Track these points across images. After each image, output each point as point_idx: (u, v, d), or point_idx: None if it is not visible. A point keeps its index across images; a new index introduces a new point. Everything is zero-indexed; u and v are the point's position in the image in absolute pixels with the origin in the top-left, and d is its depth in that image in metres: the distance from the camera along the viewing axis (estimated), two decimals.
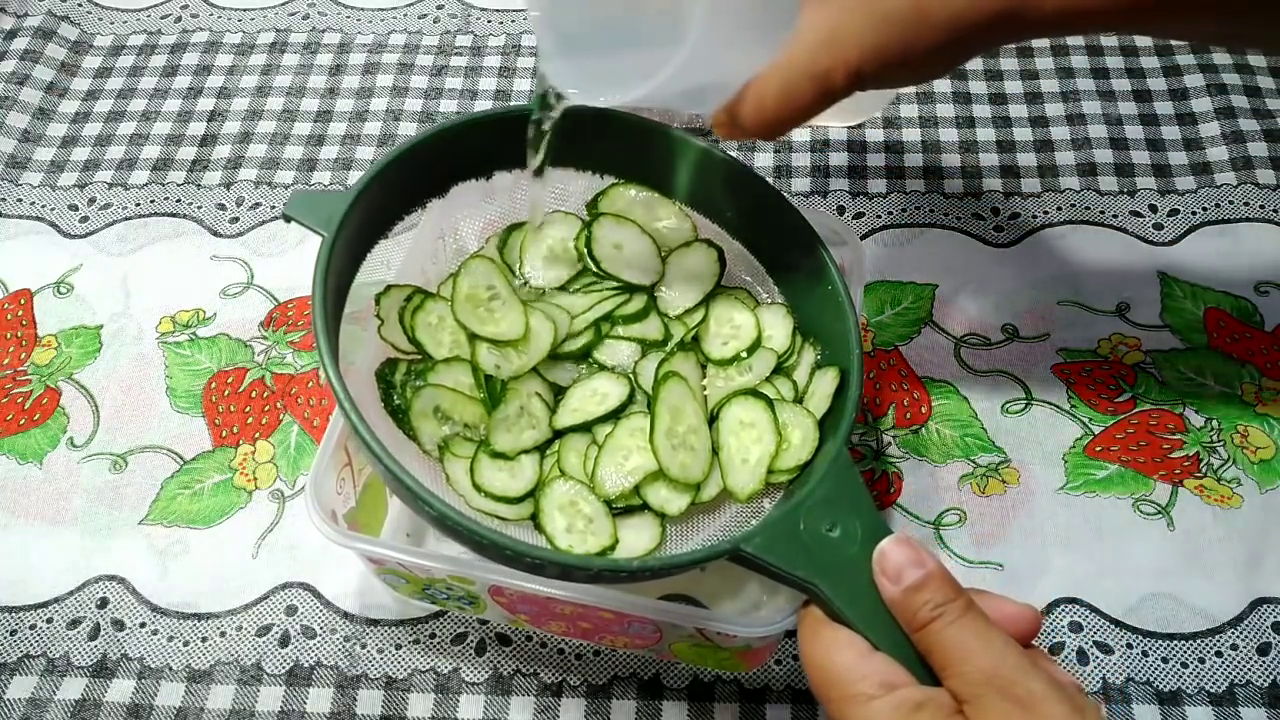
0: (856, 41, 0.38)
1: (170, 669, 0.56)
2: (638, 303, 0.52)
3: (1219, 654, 0.55)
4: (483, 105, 0.81)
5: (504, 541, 0.39)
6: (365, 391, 0.49)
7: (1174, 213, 0.72)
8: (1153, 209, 0.72)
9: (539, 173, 0.48)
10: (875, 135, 0.77)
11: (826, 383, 0.47)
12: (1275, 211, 0.71)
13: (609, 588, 0.45)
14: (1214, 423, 0.62)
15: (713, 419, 0.49)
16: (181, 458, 0.63)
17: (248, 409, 0.65)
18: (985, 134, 0.77)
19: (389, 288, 0.50)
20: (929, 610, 0.36)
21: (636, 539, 0.47)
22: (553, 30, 0.42)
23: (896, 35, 0.37)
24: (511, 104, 0.81)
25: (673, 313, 0.53)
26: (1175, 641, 0.55)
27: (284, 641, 0.57)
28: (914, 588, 0.37)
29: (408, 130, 0.80)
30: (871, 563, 0.39)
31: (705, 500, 0.47)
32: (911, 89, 0.79)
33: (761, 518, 0.45)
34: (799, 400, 0.49)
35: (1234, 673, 0.54)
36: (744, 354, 0.51)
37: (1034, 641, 0.55)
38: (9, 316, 0.70)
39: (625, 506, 0.48)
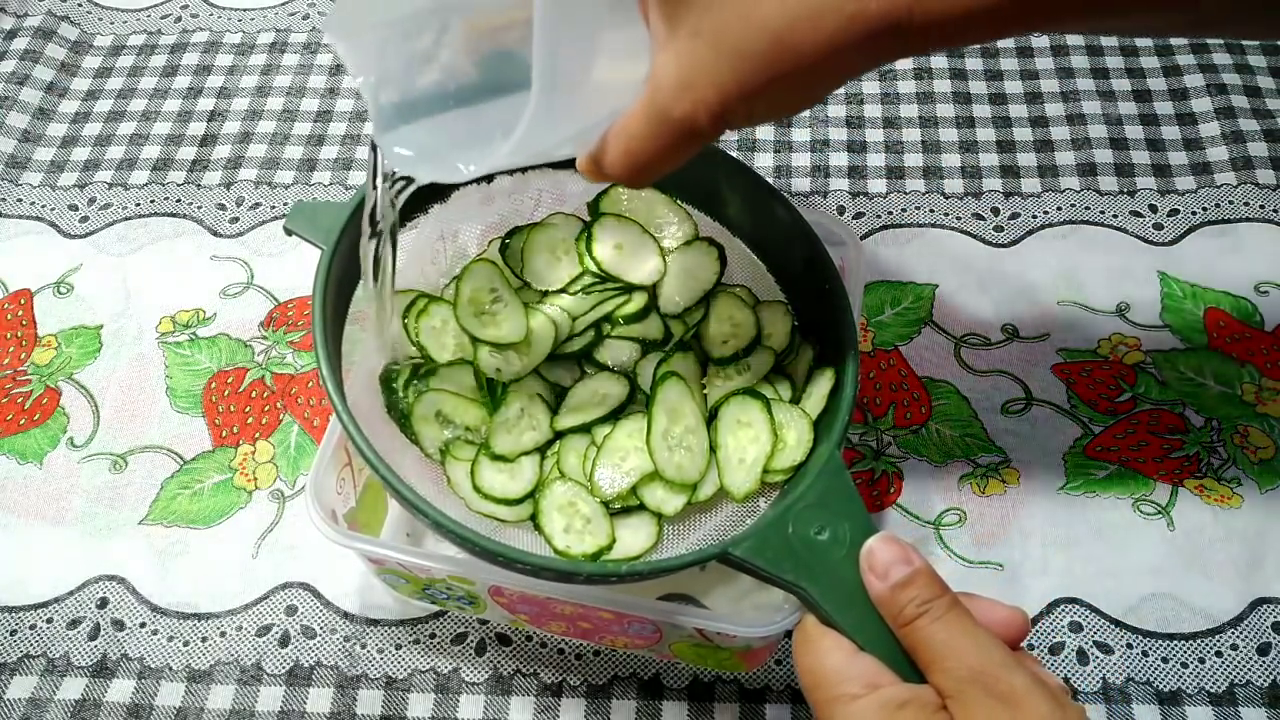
0: (712, 81, 0.34)
1: (170, 669, 0.56)
2: (638, 302, 0.52)
3: (1219, 654, 0.55)
4: None
5: (495, 548, 0.39)
6: (365, 393, 0.49)
7: (1174, 213, 0.72)
8: (1153, 209, 0.72)
9: (383, 242, 0.43)
10: (875, 135, 0.77)
11: (823, 383, 0.47)
12: (1275, 211, 0.71)
13: (602, 589, 0.45)
14: (1214, 423, 0.62)
15: (711, 418, 0.49)
16: (181, 458, 0.63)
17: (248, 409, 0.65)
18: (985, 134, 0.77)
19: None
20: (915, 606, 0.37)
21: (634, 538, 0.47)
22: (385, 100, 0.38)
23: (759, 70, 0.34)
24: None
25: (673, 312, 0.53)
26: (1175, 641, 0.55)
27: (284, 641, 0.57)
28: (901, 584, 0.37)
29: None
30: (859, 564, 0.39)
31: (702, 500, 0.48)
32: (913, 88, 0.79)
33: (754, 519, 0.45)
34: (796, 400, 0.49)
35: (1234, 673, 0.54)
36: (743, 353, 0.51)
37: (1034, 642, 0.55)
38: (9, 316, 0.70)
39: (623, 506, 0.48)
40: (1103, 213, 0.72)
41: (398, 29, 0.38)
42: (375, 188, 0.41)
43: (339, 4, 0.37)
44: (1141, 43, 0.82)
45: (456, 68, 0.38)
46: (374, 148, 0.40)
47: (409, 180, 0.41)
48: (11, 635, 0.57)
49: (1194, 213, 0.72)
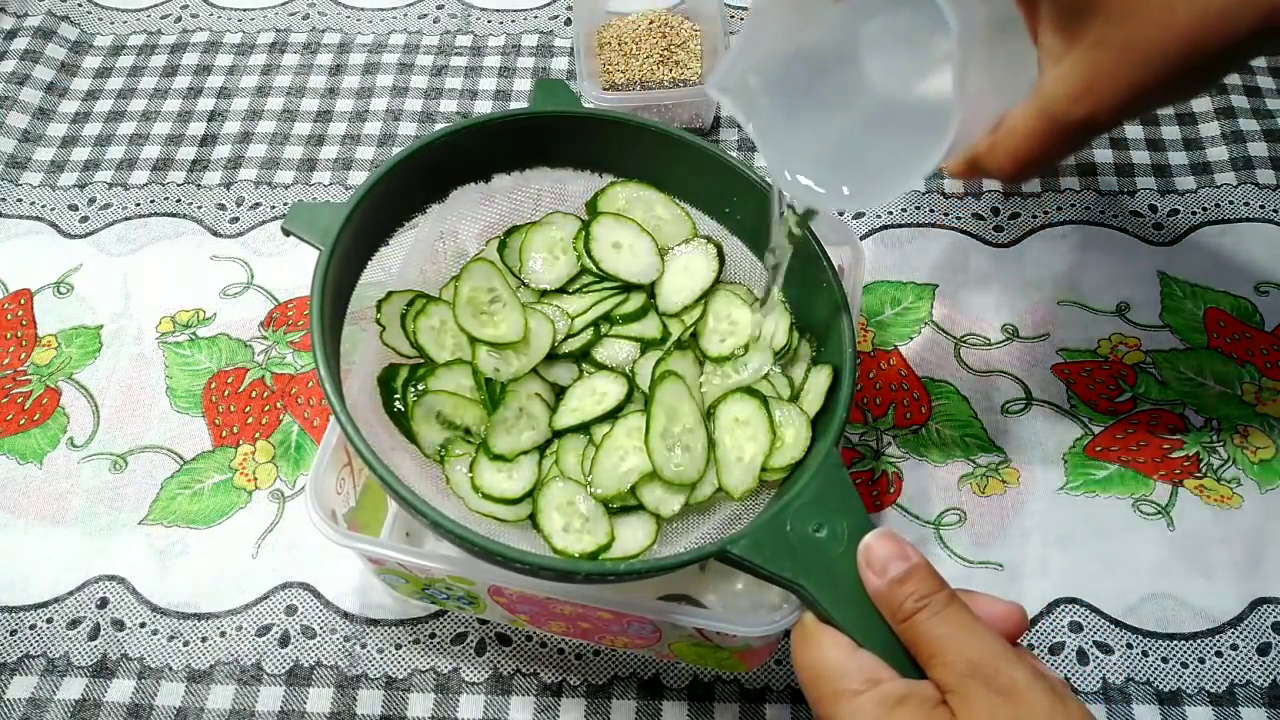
0: (1118, 87, 0.37)
1: (170, 669, 0.56)
2: (636, 301, 0.52)
3: (1219, 654, 0.55)
4: (483, 105, 0.81)
5: (494, 547, 0.39)
6: (365, 393, 0.49)
7: (1174, 213, 0.72)
8: (1153, 209, 0.72)
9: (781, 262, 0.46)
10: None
11: (820, 381, 0.47)
12: (1275, 211, 0.71)
13: (600, 588, 0.46)
14: (1214, 423, 0.62)
15: (709, 416, 0.49)
16: (181, 458, 0.63)
17: (248, 409, 0.65)
18: None
19: (391, 293, 0.50)
20: (913, 602, 0.37)
21: (632, 537, 0.47)
22: (775, 144, 0.41)
23: (1168, 71, 0.37)
24: (510, 107, 0.81)
25: (671, 310, 0.53)
26: (1175, 641, 0.55)
27: (284, 641, 0.57)
28: (898, 580, 0.37)
29: (408, 130, 0.80)
30: (857, 561, 0.39)
31: (700, 500, 0.48)
32: None
33: (752, 517, 0.46)
34: (794, 398, 0.49)
35: (1234, 673, 0.54)
36: (741, 350, 0.51)
37: (1034, 642, 0.55)
38: (9, 316, 0.70)
39: (622, 506, 0.48)
40: (1103, 213, 0.72)
41: (776, 76, 0.40)
42: (778, 221, 0.44)
43: (725, 65, 0.40)
44: None
45: (833, 103, 0.41)
46: (777, 193, 0.43)
47: (812, 212, 0.43)
48: (11, 635, 0.57)
49: (1194, 213, 0.72)
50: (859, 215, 0.72)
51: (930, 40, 0.35)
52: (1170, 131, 0.76)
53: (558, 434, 0.50)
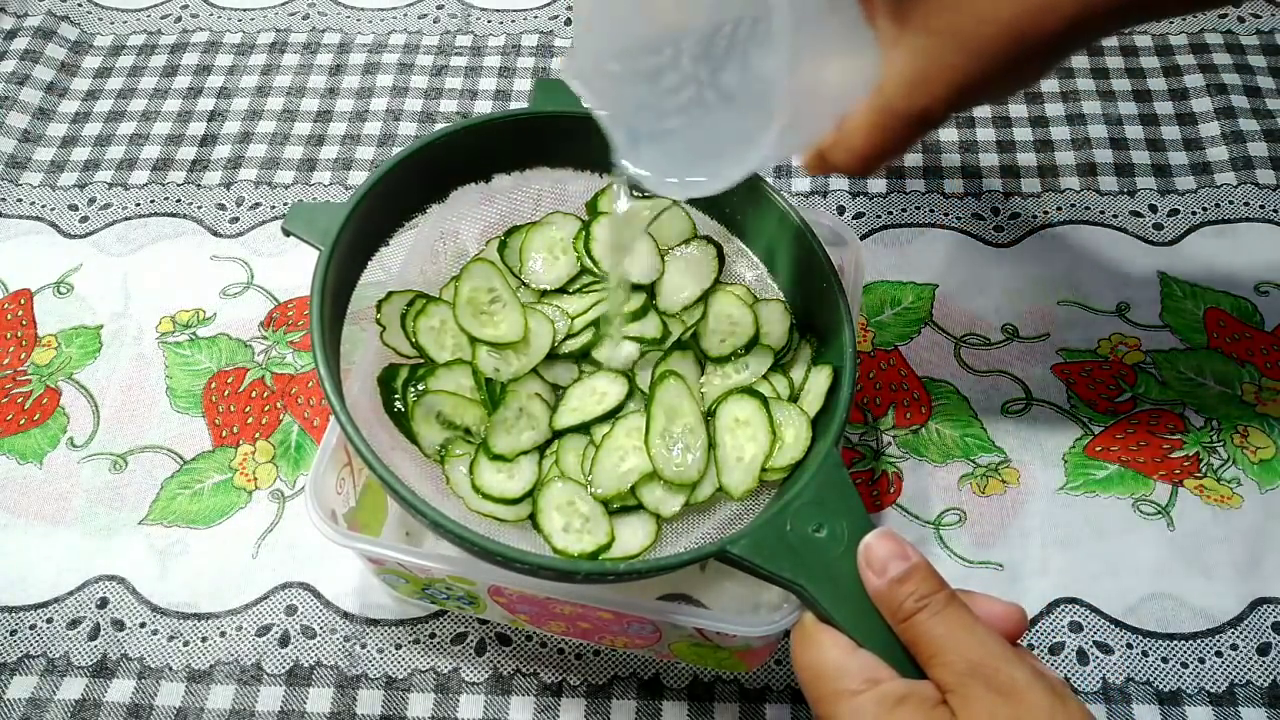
0: (950, 78, 0.37)
1: (170, 669, 0.56)
2: (636, 301, 0.52)
3: (1219, 654, 0.55)
4: (483, 105, 0.81)
5: (494, 547, 0.39)
6: (365, 393, 0.49)
7: (1174, 213, 0.72)
8: (1153, 209, 0.72)
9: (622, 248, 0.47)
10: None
11: (821, 381, 0.48)
12: (1275, 211, 0.71)
13: (600, 588, 0.46)
14: (1214, 423, 0.62)
15: (709, 416, 0.49)
16: (181, 458, 0.63)
17: (248, 409, 0.65)
18: (985, 134, 0.77)
19: (391, 294, 0.50)
20: (913, 602, 0.37)
21: (632, 537, 0.47)
22: (624, 129, 0.41)
23: (994, 62, 0.37)
24: (510, 107, 0.81)
25: (672, 310, 0.53)
26: (1175, 641, 0.55)
27: (284, 641, 0.57)
28: (898, 580, 0.37)
29: (408, 130, 0.80)
30: (856, 560, 0.39)
31: (700, 500, 0.48)
32: None
33: (751, 517, 0.45)
34: (794, 398, 0.49)
35: (1234, 673, 0.54)
36: (741, 350, 0.51)
37: (1034, 642, 0.55)
38: (9, 316, 0.70)
39: (622, 506, 0.48)
40: (1103, 213, 0.72)
41: (628, 65, 0.41)
42: (618, 208, 0.44)
43: (573, 49, 0.41)
44: (1141, 42, 0.82)
45: (684, 91, 0.41)
46: (620, 175, 0.43)
47: (649, 196, 0.43)
48: (11, 635, 0.57)
49: (1194, 213, 0.72)
50: (859, 215, 0.72)
51: (765, 28, 0.35)
52: (1170, 131, 0.76)
53: (558, 434, 0.50)
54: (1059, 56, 0.39)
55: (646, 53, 0.41)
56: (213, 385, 0.66)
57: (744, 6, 0.39)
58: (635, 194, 0.44)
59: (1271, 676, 0.54)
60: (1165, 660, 0.55)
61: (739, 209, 0.53)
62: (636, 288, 0.53)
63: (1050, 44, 0.37)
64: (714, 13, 0.40)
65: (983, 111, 0.78)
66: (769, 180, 0.52)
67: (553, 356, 0.51)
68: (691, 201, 0.54)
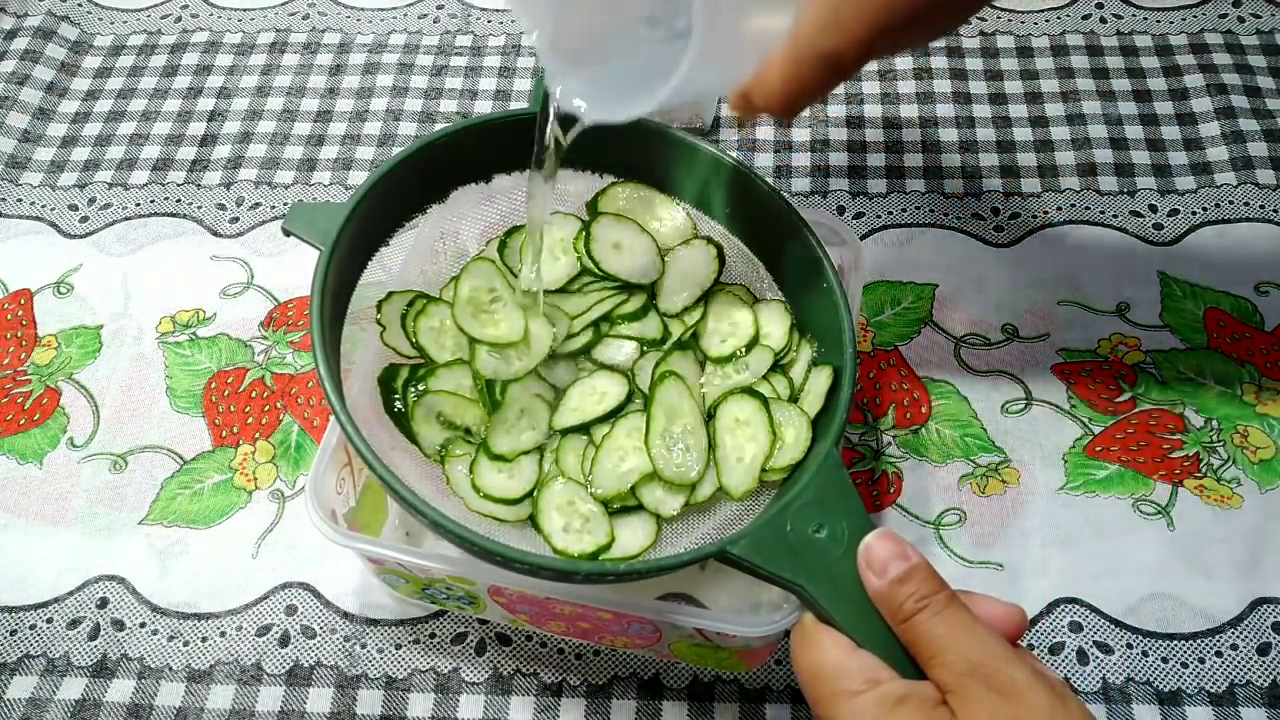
0: (860, 19, 0.37)
1: (170, 669, 0.56)
2: (636, 301, 0.52)
3: (1219, 654, 0.55)
4: (483, 105, 0.81)
5: (494, 547, 0.39)
6: (365, 393, 0.49)
7: (1174, 213, 0.72)
8: (1153, 209, 0.72)
9: (547, 177, 0.47)
10: (875, 135, 0.77)
11: (821, 381, 0.47)
12: (1275, 211, 0.71)
13: (600, 589, 0.46)
14: (1214, 423, 0.62)
15: (709, 417, 0.49)
16: (181, 458, 0.63)
17: (248, 409, 0.65)
18: (985, 134, 0.77)
19: (391, 294, 0.50)
20: (914, 602, 0.37)
21: (632, 537, 0.47)
22: (556, 51, 0.41)
23: (905, 5, 0.36)
24: (510, 107, 0.81)
25: (672, 311, 0.53)
26: (1175, 641, 0.55)
27: (284, 641, 0.57)
28: (899, 580, 0.37)
29: (408, 130, 0.80)
30: (856, 560, 0.39)
31: (700, 500, 0.48)
32: (913, 88, 0.79)
33: (751, 518, 0.45)
34: (794, 398, 0.49)
35: (1234, 673, 0.54)
36: (741, 351, 0.51)
37: (1034, 642, 0.55)
38: (9, 316, 0.70)
39: (622, 506, 0.48)
40: (1103, 213, 0.72)
41: None
42: (545, 131, 0.44)
43: None
44: (1141, 42, 0.82)
45: (618, 21, 0.42)
46: (545, 96, 0.43)
47: (574, 121, 0.43)
48: (11, 635, 0.57)
49: (1194, 213, 0.72)
50: (859, 215, 0.72)
51: None
52: (1170, 131, 0.76)
53: (557, 434, 0.50)
54: (969, 4, 0.38)
55: None
56: (213, 385, 0.66)
57: None
58: (561, 119, 0.44)
59: (1271, 676, 0.54)
60: (1165, 660, 0.55)
61: (739, 209, 0.53)
62: (636, 288, 0.53)
63: None
64: None
65: (983, 111, 0.78)
66: (769, 180, 0.52)
67: (553, 357, 0.51)
68: (691, 202, 0.54)
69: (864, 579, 0.39)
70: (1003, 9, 0.85)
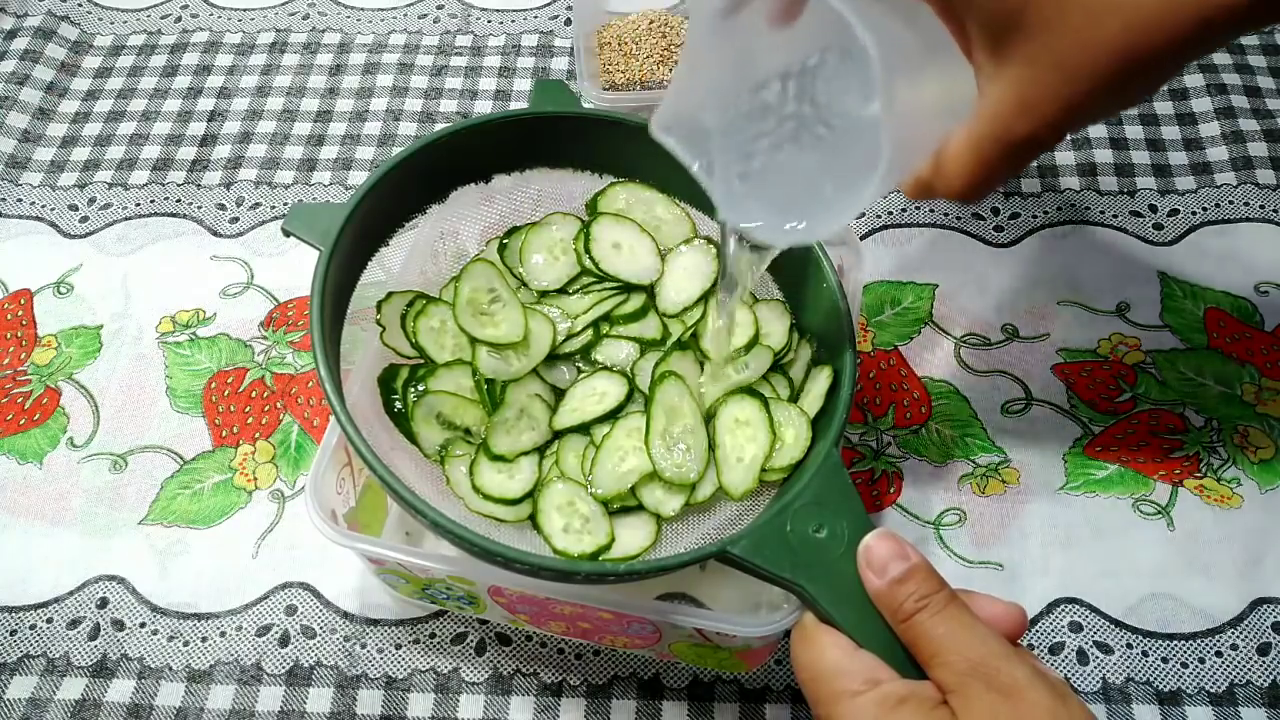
0: (1057, 105, 0.36)
1: (170, 669, 0.56)
2: (636, 302, 0.52)
3: (1219, 654, 0.55)
4: (483, 105, 0.81)
5: (494, 547, 0.39)
6: (365, 394, 0.49)
7: (1174, 213, 0.72)
8: (1153, 209, 0.72)
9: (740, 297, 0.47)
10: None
11: (821, 381, 0.48)
12: (1275, 211, 0.71)
13: (600, 589, 0.46)
14: (1214, 423, 0.62)
15: (709, 417, 0.49)
16: (181, 458, 0.63)
17: (248, 409, 0.65)
18: None
19: (391, 294, 0.50)
20: (913, 602, 0.37)
21: (632, 538, 0.47)
22: (721, 180, 0.41)
23: (1104, 85, 0.36)
24: (510, 107, 0.81)
25: (671, 311, 0.53)
26: (1175, 641, 0.55)
27: (284, 641, 0.57)
28: (898, 580, 0.37)
29: (408, 130, 0.80)
30: (856, 560, 0.39)
31: (700, 501, 0.48)
32: None
33: (751, 518, 0.45)
34: (794, 398, 0.49)
35: (1234, 673, 0.54)
36: (741, 351, 0.51)
37: (1034, 642, 0.55)
38: (9, 316, 0.70)
39: (622, 506, 0.48)
40: (1103, 213, 0.72)
41: (720, 116, 0.40)
42: (728, 257, 0.44)
43: (663, 105, 0.40)
44: None
45: (777, 137, 0.40)
46: (723, 226, 0.43)
47: (764, 247, 0.43)
48: (11, 635, 0.57)
49: (1194, 213, 0.72)
50: (859, 215, 0.72)
51: (863, 68, 0.35)
52: (1170, 131, 0.76)
53: (558, 434, 0.50)
54: (1172, 71, 0.38)
55: (737, 102, 0.40)
56: (213, 385, 0.66)
57: (829, 40, 0.38)
58: (743, 243, 0.43)
59: (1271, 676, 0.54)
60: (1165, 660, 0.55)
61: None
62: (636, 288, 0.53)
63: (1160, 61, 0.35)
64: (801, 54, 0.39)
65: None
66: None
67: (553, 357, 0.51)
68: (690, 202, 0.54)
69: (864, 579, 0.39)
70: None
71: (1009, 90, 0.37)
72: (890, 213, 0.72)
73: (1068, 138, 0.76)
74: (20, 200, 0.76)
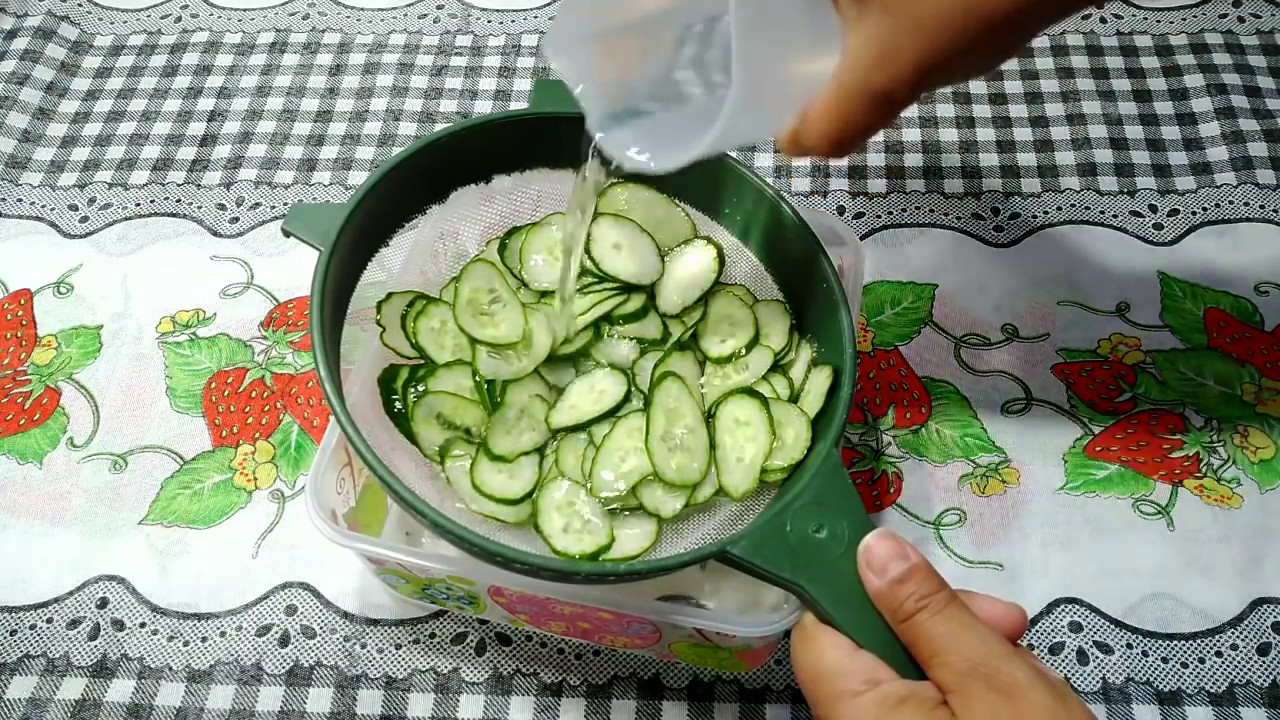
0: (907, 54, 0.37)
1: (170, 669, 0.56)
2: (636, 302, 0.52)
3: (1219, 654, 0.55)
4: (483, 105, 0.81)
5: (493, 547, 0.39)
6: (365, 394, 0.49)
7: (1174, 213, 0.72)
8: (1153, 209, 0.72)
9: (584, 210, 0.48)
10: (875, 135, 0.77)
11: (821, 381, 0.47)
12: (1275, 211, 0.71)
13: (600, 589, 0.46)
14: (1214, 423, 0.62)
15: (709, 417, 0.49)
16: (181, 458, 0.63)
17: (248, 409, 0.65)
18: (985, 134, 0.77)
19: (391, 294, 0.50)
20: (914, 602, 0.37)
21: (632, 538, 0.47)
22: (600, 103, 0.42)
23: (953, 40, 0.36)
24: (510, 107, 0.81)
25: (672, 311, 0.53)
26: (1175, 641, 0.55)
27: (284, 641, 0.57)
28: (899, 580, 0.37)
29: (408, 130, 0.80)
30: (856, 560, 0.39)
31: (700, 501, 0.48)
32: None
33: (751, 518, 0.45)
34: (794, 399, 0.49)
35: (1234, 673, 0.54)
36: (741, 351, 0.51)
37: (1034, 642, 0.55)
38: (9, 316, 0.70)
39: (622, 507, 0.48)
40: (1103, 213, 0.72)
41: (606, 44, 0.42)
42: (586, 178, 0.45)
43: (555, 24, 0.42)
44: (1141, 42, 0.82)
45: (661, 72, 0.43)
46: (590, 146, 0.44)
47: (618, 168, 0.44)
48: (11, 635, 0.57)
49: (1194, 213, 0.72)
50: (859, 215, 0.72)
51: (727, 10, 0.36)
52: (1170, 131, 0.76)
53: (557, 433, 0.50)
54: (1021, 34, 0.38)
55: (623, 33, 0.42)
56: (213, 385, 0.66)
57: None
58: (605, 165, 0.45)
59: (1271, 676, 0.54)
60: (1165, 660, 0.55)
61: (739, 209, 0.53)
62: (636, 288, 0.53)
63: (1007, 21, 0.36)
64: (688, 4, 0.41)
65: (983, 111, 0.78)
66: (770, 181, 0.52)
67: (553, 358, 0.51)
68: (690, 203, 0.54)
69: (864, 579, 0.39)
70: None
71: (869, 41, 0.37)
72: (890, 213, 0.73)
73: (1067, 137, 0.76)
74: (20, 200, 0.76)
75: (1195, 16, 0.84)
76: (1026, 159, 0.75)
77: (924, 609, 0.37)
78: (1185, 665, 0.54)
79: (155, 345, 0.68)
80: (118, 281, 0.72)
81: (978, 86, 0.79)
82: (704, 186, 0.53)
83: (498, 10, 0.88)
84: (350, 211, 0.46)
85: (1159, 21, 0.84)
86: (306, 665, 0.56)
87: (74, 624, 0.58)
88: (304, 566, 0.59)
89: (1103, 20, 0.84)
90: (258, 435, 0.64)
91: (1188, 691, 0.54)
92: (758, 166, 0.76)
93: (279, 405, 0.65)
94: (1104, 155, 0.75)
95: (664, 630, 0.49)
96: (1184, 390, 0.64)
